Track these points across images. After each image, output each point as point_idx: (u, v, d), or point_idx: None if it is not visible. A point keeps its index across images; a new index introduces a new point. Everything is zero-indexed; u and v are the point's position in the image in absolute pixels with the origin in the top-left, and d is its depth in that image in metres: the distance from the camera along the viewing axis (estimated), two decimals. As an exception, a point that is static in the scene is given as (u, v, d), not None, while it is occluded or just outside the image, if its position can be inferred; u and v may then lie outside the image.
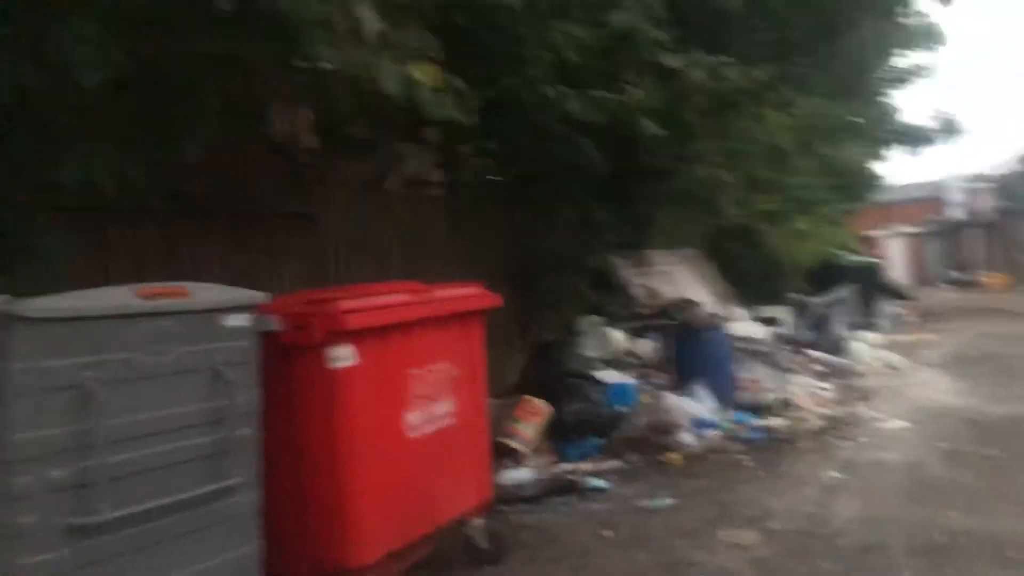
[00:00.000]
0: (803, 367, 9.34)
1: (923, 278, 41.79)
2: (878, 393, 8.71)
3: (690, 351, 7.84)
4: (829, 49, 8.15)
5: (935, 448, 6.41)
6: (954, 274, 37.64)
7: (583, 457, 6.64)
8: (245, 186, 5.38)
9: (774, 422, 7.34)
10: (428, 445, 4.08)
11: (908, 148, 24.61)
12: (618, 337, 8.12)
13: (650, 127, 5.78)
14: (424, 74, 3.18)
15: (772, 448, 6.76)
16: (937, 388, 8.79)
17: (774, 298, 13.29)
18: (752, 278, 13.45)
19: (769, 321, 12.36)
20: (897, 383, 9.28)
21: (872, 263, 15.14)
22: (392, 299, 3.93)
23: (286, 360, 3.61)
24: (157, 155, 3.67)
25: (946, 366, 10.38)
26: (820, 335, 12.28)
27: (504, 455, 6.53)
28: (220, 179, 5.17)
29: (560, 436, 6.77)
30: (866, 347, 11.01)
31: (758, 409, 7.64)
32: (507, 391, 7.40)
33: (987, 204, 36.02)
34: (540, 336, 8.18)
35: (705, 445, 6.79)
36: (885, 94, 21.79)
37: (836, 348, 10.65)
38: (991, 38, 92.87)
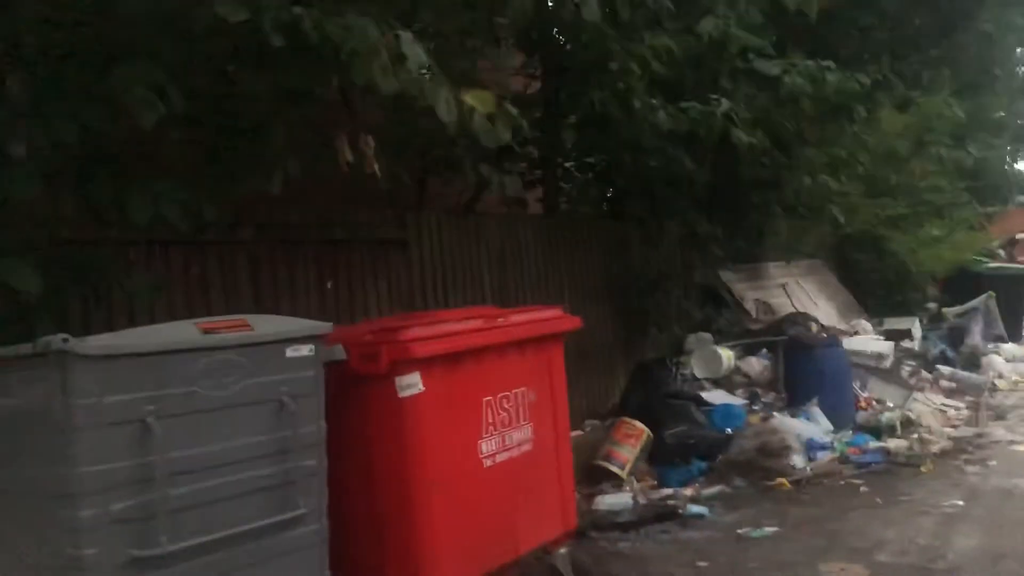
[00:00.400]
0: (931, 383, 8.75)
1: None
2: (1015, 411, 8.07)
3: (802, 369, 7.48)
4: (949, 45, 7.63)
5: (1074, 474, 5.88)
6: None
7: (685, 482, 6.41)
8: (336, 213, 5.48)
9: (894, 444, 6.89)
10: (504, 473, 4.01)
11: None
12: (727, 355, 7.82)
13: (741, 137, 5.54)
14: (478, 100, 3.13)
15: (890, 472, 6.35)
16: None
17: (904, 309, 12.59)
18: (880, 288, 12.81)
19: (897, 334, 11.75)
20: (1038, 401, 8.59)
21: (1017, 270, 14.10)
22: (462, 326, 3.88)
23: (356, 389, 3.62)
24: (233, 189, 3.75)
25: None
26: (954, 348, 11.57)
27: (602, 479, 6.40)
28: (310, 208, 5.29)
29: (661, 460, 6.57)
30: (1004, 361, 10.23)
31: (877, 430, 7.20)
32: (609, 413, 7.27)
33: None
34: (643, 355, 7.99)
35: (817, 469, 6.45)
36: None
37: (971, 362, 9.94)
38: None
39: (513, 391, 4.12)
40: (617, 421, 6.69)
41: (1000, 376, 9.81)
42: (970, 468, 6.30)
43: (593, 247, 7.90)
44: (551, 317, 4.47)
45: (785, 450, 6.58)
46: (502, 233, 6.83)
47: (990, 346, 12.17)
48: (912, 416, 7.60)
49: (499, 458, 4.00)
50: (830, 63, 6.14)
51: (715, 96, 5.57)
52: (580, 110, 5.74)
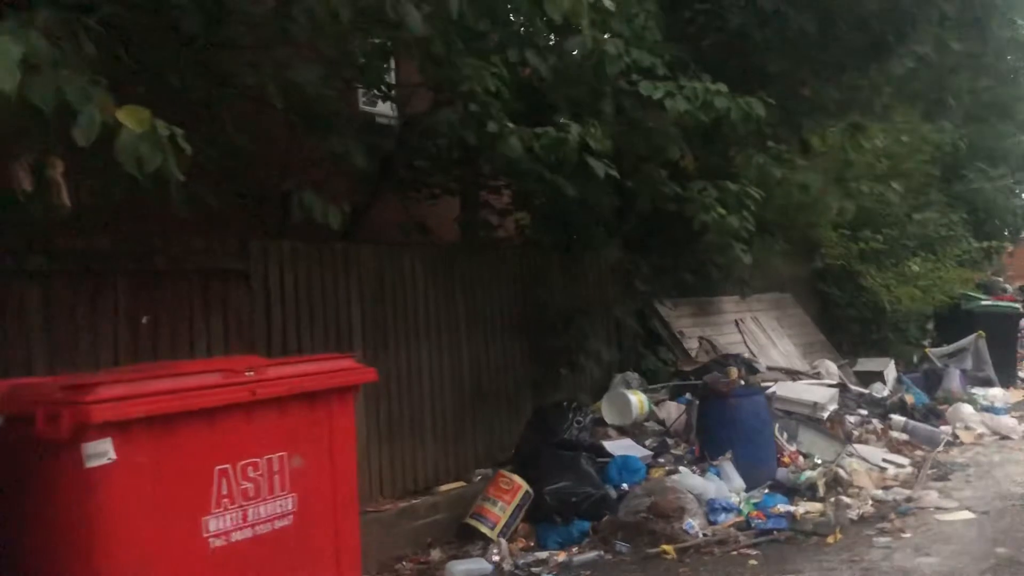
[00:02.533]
0: (879, 435, 8.02)
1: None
2: (964, 470, 7.32)
3: (716, 419, 6.83)
4: (880, 69, 6.98)
5: (989, 554, 5.16)
6: None
7: (564, 544, 5.81)
8: (158, 240, 4.97)
9: (804, 508, 6.21)
10: (245, 554, 3.44)
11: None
12: (639, 400, 7.19)
13: (595, 165, 4.96)
14: (131, 118, 2.60)
15: (791, 541, 5.68)
16: (1042, 466, 7.30)
17: (883, 349, 11.84)
18: (855, 326, 12.06)
19: (869, 376, 11.02)
20: (996, 458, 7.81)
21: (1008, 308, 13.23)
22: (188, 381, 3.33)
23: (44, 459, 3.09)
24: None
25: (1074, 435, 8.73)
26: (929, 393, 10.78)
27: (472, 539, 5.82)
28: (119, 232, 4.80)
29: (541, 518, 5.97)
30: (973, 411, 9.43)
31: (794, 490, 6.52)
32: (508, 461, 6.68)
33: None
34: (555, 398, 7.39)
35: (713, 535, 5.80)
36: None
37: (932, 412, 9.16)
38: None
39: (265, 457, 3.55)
40: (495, 474, 6.11)
41: (966, 427, 9.02)
42: (880, 540, 5.60)
43: (504, 278, 7.33)
44: (333, 369, 3.90)
45: (679, 511, 5.94)
46: (381, 263, 6.28)
47: (975, 391, 11.37)
48: (843, 474, 6.90)
49: (237, 536, 3.42)
50: (720, 86, 5.54)
51: (567, 121, 5.00)
52: (436, 134, 5.22)
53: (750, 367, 7.96)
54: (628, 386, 7.93)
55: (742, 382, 7.02)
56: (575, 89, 5.29)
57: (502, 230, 7.82)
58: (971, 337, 12.58)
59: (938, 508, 6.20)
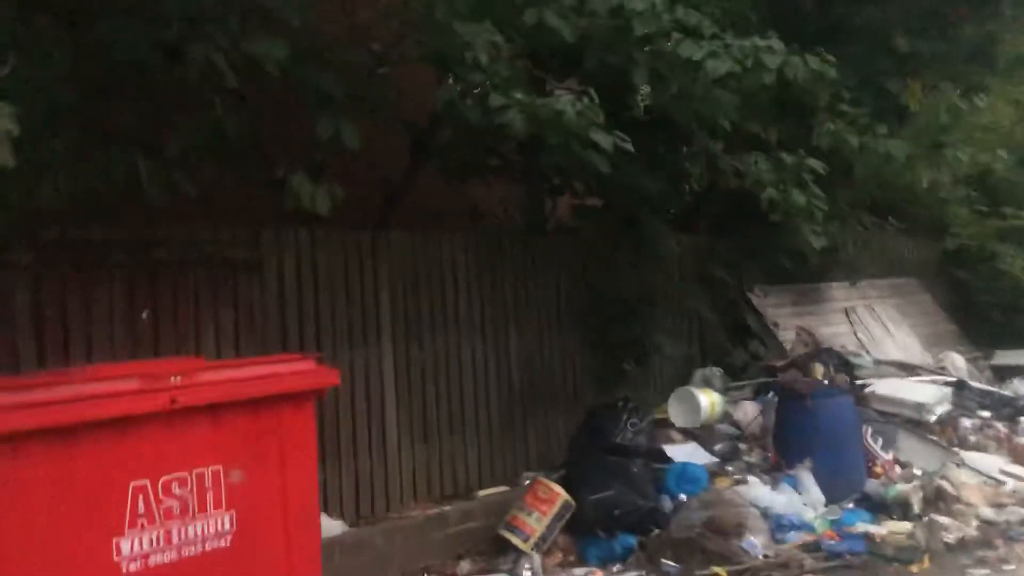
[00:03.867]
0: (1002, 441, 6.97)
1: None
2: (1101, 488, 6.22)
3: (794, 422, 6.07)
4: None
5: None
6: None
7: (605, 560, 5.26)
8: (159, 229, 4.73)
9: (888, 528, 5.39)
10: (166, 578, 3.11)
11: None
12: (710, 401, 6.49)
13: (601, 140, 4.30)
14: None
15: (867, 568, 4.91)
16: None
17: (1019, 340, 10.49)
18: (995, 314, 10.75)
19: (1007, 371, 9.80)
20: None
21: None
22: (93, 388, 3.01)
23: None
24: None
25: None
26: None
27: (502, 551, 5.35)
28: (116, 220, 4.58)
29: (582, 531, 5.43)
30: None
31: (883, 505, 5.69)
32: (561, 466, 6.16)
33: None
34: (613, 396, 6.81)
35: (778, 555, 5.10)
36: None
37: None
38: None
39: (194, 472, 3.20)
40: (534, 481, 5.60)
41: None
42: (976, 573, 4.75)
43: (562, 266, 6.79)
44: (284, 372, 3.51)
45: (738, 528, 5.27)
46: (415, 251, 5.87)
47: None
48: (948, 487, 5.99)
49: (157, 559, 3.09)
50: (774, 42, 4.75)
51: (563, 91, 4.38)
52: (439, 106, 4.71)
53: (845, 362, 7.07)
54: (707, 382, 7.24)
55: (825, 380, 6.19)
56: (605, 55, 4.67)
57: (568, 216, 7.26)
58: None
59: (1057, 535, 5.24)
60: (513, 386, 6.39)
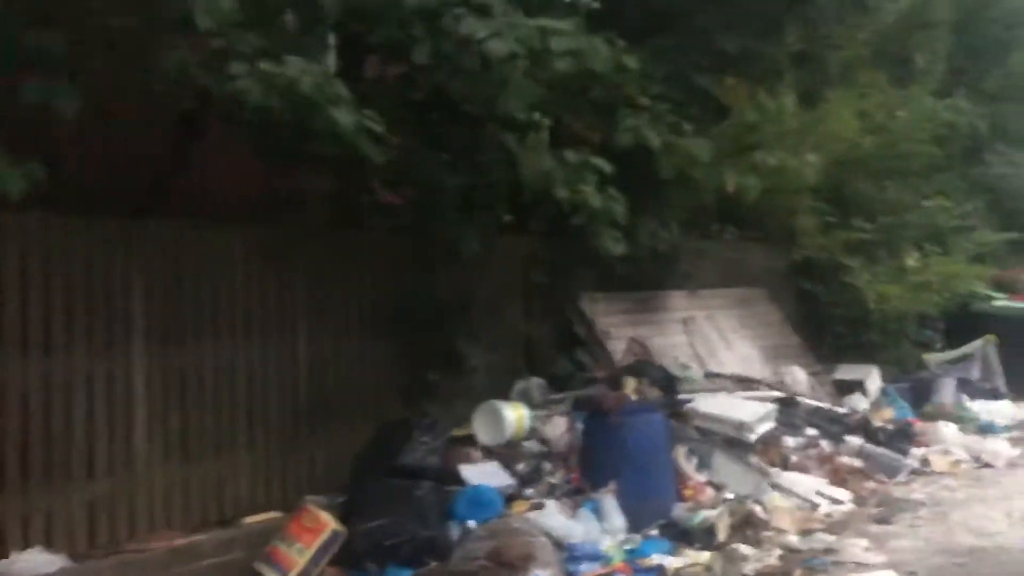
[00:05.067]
0: (822, 461, 6.72)
1: None
2: (915, 511, 6.01)
3: (601, 441, 5.63)
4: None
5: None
6: None
7: (376, 597, 4.69)
8: None
9: (692, 558, 4.99)
10: None
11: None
12: (517, 416, 6.00)
13: (344, 118, 3.75)
14: None
15: (653, 607, 4.48)
16: (1015, 510, 5.92)
17: (865, 353, 10.46)
18: (839, 327, 10.68)
19: (848, 386, 9.70)
20: (961, 495, 6.47)
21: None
22: None
23: None
24: None
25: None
26: (916, 407, 9.43)
27: (254, 590, 4.72)
28: None
29: (352, 563, 4.85)
30: (954, 431, 8.06)
31: (685, 532, 5.30)
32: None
33: None
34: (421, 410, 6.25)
35: (564, 591, 4.63)
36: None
37: (901, 431, 7.81)
38: None
39: None
40: (300, 508, 4.99)
41: (945, 451, 7.67)
42: (764, 611, 4.38)
43: (364, 267, 6.19)
44: None
45: (525, 560, 4.77)
46: (181, 245, 5.17)
47: (976, 404, 9.95)
48: (760, 512, 5.66)
49: None
50: (565, 24, 4.29)
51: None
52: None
53: (668, 376, 6.70)
54: (526, 395, 6.76)
55: (633, 396, 5.78)
56: (389, 30, 4.11)
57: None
58: (979, 342, 11.15)
59: (859, 565, 4.92)
60: (300, 398, 5.74)
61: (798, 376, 9.00)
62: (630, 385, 5.89)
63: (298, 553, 4.72)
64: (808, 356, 10.05)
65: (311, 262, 5.86)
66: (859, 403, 9.16)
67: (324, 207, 6.29)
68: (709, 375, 7.88)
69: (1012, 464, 7.43)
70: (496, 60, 4.10)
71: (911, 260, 10.68)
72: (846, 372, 9.90)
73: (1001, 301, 11.76)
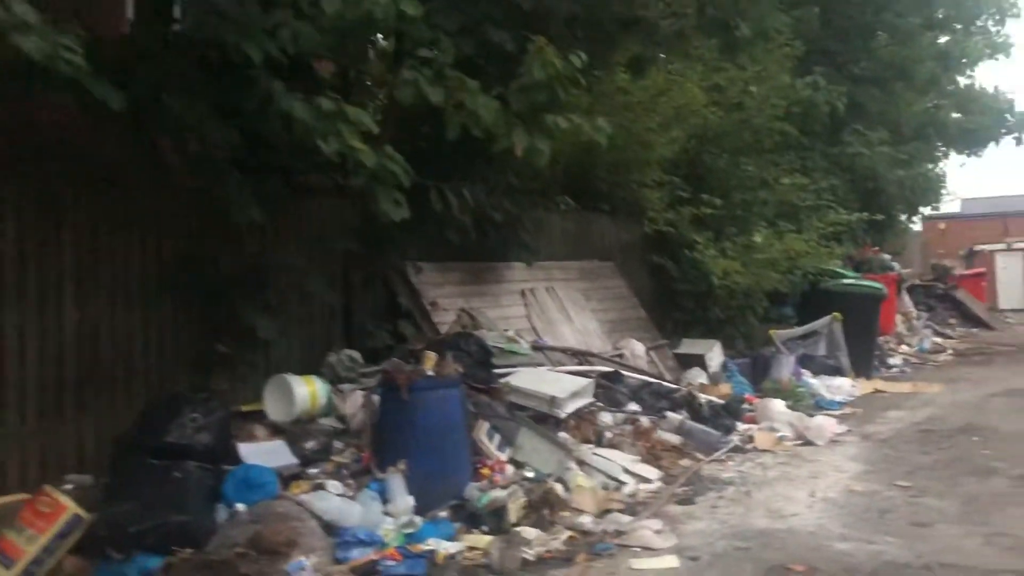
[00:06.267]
0: (637, 438, 6.57)
1: (1037, 302, 36.94)
2: (721, 490, 5.91)
3: (393, 419, 5.31)
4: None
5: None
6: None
7: (122, 588, 4.26)
8: None
9: (472, 542, 4.73)
10: None
11: (968, 147, 20.97)
12: (310, 390, 5.64)
13: (31, 45, 3.27)
14: None
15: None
16: (819, 491, 5.87)
17: (712, 329, 10.46)
18: (687, 301, 10.65)
19: (690, 360, 9.66)
20: (773, 473, 6.41)
21: (870, 289, 11.93)
22: None
23: None
24: None
25: (889, 445, 7.37)
26: (755, 382, 9.46)
27: (-19, 580, 4.24)
28: None
29: (98, 552, 4.40)
30: (782, 407, 8.06)
31: (475, 514, 5.04)
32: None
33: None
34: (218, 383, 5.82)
35: (328, 580, 4.31)
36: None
37: (727, 408, 7.76)
38: None
39: None
40: (38, 490, 4.51)
41: (771, 428, 7.65)
42: (533, 600, 4.14)
43: (150, 227, 5.68)
44: None
45: (288, 546, 4.43)
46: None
47: (816, 381, 10.07)
48: (560, 492, 5.45)
49: None
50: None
51: None
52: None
53: (484, 349, 6.41)
54: (339, 369, 6.39)
55: (429, 372, 5.47)
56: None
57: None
58: (826, 319, 11.31)
59: (645, 549, 4.75)
60: (66, 370, 5.24)
61: (636, 350, 8.89)
62: (430, 359, 5.57)
63: (28, 541, 4.26)
64: (654, 330, 9.98)
65: (88, 218, 5.34)
66: (697, 378, 9.12)
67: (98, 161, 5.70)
68: (539, 348, 7.65)
69: (833, 442, 7.43)
70: None
71: (759, 237, 10.69)
72: (689, 347, 9.86)
73: (849, 280, 11.94)
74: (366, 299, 7.09)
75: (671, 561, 4.54)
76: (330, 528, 4.67)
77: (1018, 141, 21.12)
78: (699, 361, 9.51)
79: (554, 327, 8.44)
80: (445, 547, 4.60)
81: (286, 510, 4.60)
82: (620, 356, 8.68)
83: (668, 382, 8.22)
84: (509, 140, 5.02)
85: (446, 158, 6.42)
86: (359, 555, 4.55)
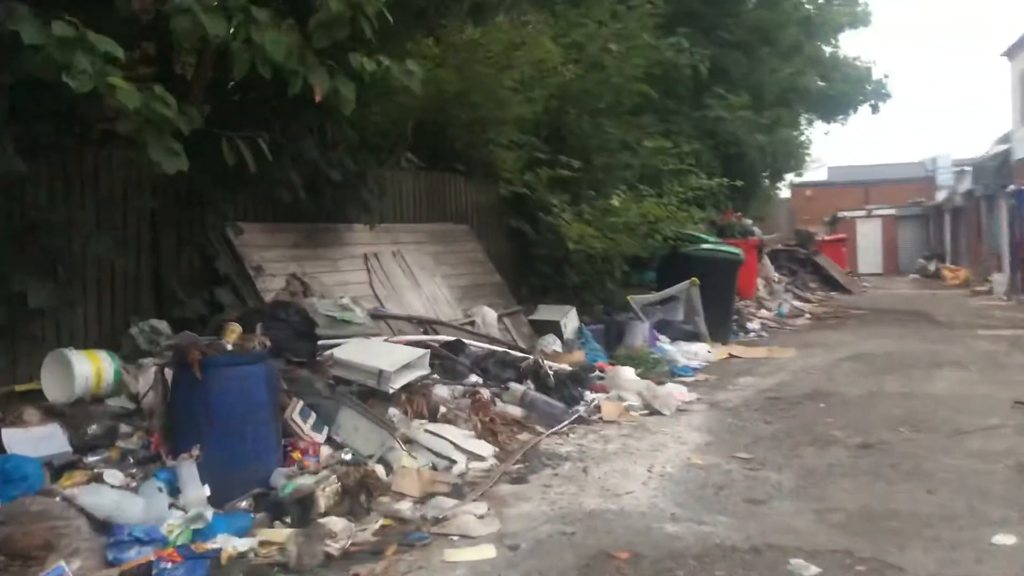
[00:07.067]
0: (473, 412, 6.18)
1: (894, 266, 38.72)
2: (558, 467, 5.59)
3: (186, 399, 4.73)
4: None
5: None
6: (922, 263, 34.66)
7: None
8: None
9: (267, 536, 4.25)
10: None
11: (829, 114, 21.49)
12: (94, 367, 5.00)
13: None
14: None
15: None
16: (657, 465, 5.63)
17: (568, 294, 10.20)
18: (545, 267, 10.33)
19: (545, 327, 9.34)
20: (613, 446, 6.14)
21: (728, 254, 11.90)
22: None
23: None
24: None
25: (734, 413, 7.24)
26: (609, 349, 9.24)
27: None
28: None
29: None
30: (631, 375, 7.85)
31: (279, 504, 4.54)
32: None
33: (962, 189, 32.49)
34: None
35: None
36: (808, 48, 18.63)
37: (575, 376, 7.48)
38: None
39: None
40: None
41: (619, 397, 7.40)
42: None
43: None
44: None
45: (45, 549, 3.84)
46: None
47: (672, 346, 9.96)
48: (381, 475, 5.01)
49: None
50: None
51: None
52: None
53: (306, 320, 5.88)
54: (141, 341, 5.74)
55: (229, 346, 4.92)
56: None
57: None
58: (684, 284, 11.20)
59: (463, 537, 4.36)
60: None
61: (488, 317, 8.52)
62: (232, 332, 5.00)
63: None
64: (510, 296, 9.62)
65: None
66: (551, 345, 8.84)
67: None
68: (378, 317, 7.16)
69: (681, 411, 7.25)
70: None
71: (616, 201, 10.44)
72: (545, 313, 9.58)
73: (708, 244, 11.87)
74: (179, 264, 6.42)
75: (488, 551, 4.17)
76: (105, 526, 4.10)
77: (874, 109, 21.75)
78: (555, 328, 9.23)
79: (400, 294, 7.95)
80: (235, 544, 4.09)
81: (45, 508, 3.99)
82: (471, 324, 8.30)
83: (519, 350, 7.87)
84: (302, 81, 4.46)
85: (256, 105, 5.80)
86: (136, 556, 3.99)
